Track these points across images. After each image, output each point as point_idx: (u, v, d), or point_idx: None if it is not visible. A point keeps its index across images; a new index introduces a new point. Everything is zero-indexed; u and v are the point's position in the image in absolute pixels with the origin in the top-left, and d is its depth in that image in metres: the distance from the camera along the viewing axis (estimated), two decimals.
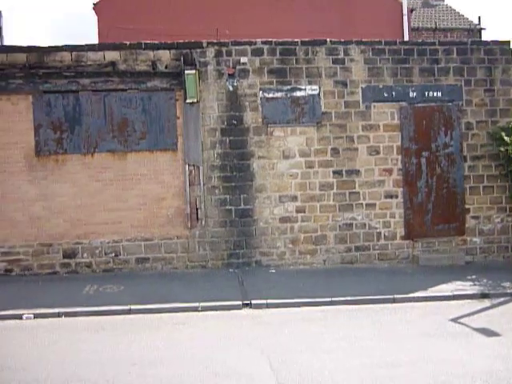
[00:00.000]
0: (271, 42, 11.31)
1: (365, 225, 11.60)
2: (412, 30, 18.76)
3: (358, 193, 11.57)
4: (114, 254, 10.89)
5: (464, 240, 11.94)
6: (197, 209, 11.08)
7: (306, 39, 11.45)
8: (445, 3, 23.95)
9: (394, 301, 9.04)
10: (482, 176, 12.01)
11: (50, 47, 10.66)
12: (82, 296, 9.24)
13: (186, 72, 10.76)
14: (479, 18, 21.39)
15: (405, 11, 17.31)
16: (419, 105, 11.72)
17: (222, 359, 6.31)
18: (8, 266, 10.60)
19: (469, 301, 9.07)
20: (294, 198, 11.36)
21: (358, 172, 11.57)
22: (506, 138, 11.54)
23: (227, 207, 11.22)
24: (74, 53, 10.73)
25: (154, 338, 7.28)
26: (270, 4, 17.51)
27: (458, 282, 9.95)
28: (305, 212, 11.40)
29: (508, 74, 12.07)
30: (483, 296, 9.29)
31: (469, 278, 10.32)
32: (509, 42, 12.36)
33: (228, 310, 8.62)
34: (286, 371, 5.87)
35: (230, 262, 11.21)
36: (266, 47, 11.29)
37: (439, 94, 11.81)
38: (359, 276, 10.59)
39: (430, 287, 9.61)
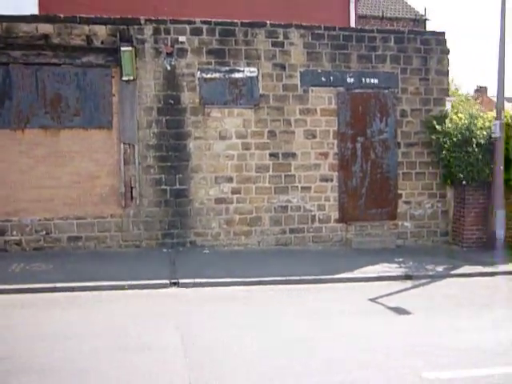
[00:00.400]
0: (210, 22, 11.25)
1: (300, 207, 11.79)
2: (359, 17, 18.95)
3: (294, 176, 11.73)
4: (45, 232, 10.70)
5: (396, 224, 12.31)
6: (131, 188, 11.00)
7: (246, 21, 11.45)
8: None
9: (320, 281, 9.24)
10: (414, 162, 12.37)
11: None
12: (7, 274, 9.02)
13: (122, 49, 10.59)
14: (425, 8, 21.87)
15: None
16: (356, 91, 11.93)
17: (137, 335, 6.33)
18: None
19: (392, 282, 9.36)
20: (230, 180, 11.42)
21: (294, 155, 11.71)
22: (437, 126, 11.90)
23: (162, 187, 11.18)
24: (4, 23, 10.38)
25: (73, 314, 7.23)
26: None
27: (385, 264, 10.25)
28: (240, 193, 11.48)
29: (442, 65, 12.42)
30: (406, 277, 9.62)
31: (396, 260, 10.65)
32: (444, 33, 12.70)
33: (155, 288, 8.60)
34: (196, 346, 5.96)
35: (165, 242, 11.20)
36: (205, 27, 11.23)
37: (376, 80, 12.04)
38: (291, 257, 10.78)
39: (357, 269, 9.87)
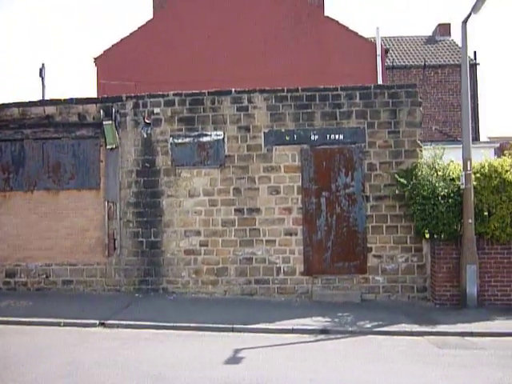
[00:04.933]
0: (181, 93, 12.79)
1: (265, 260, 12.41)
2: (397, 68, 18.96)
3: (259, 229, 12.45)
4: (45, 276, 12.91)
5: (366, 278, 12.21)
6: (114, 239, 12.76)
7: (213, 90, 12.77)
8: (450, 39, 23.37)
9: (232, 330, 9.86)
10: (385, 216, 12.25)
11: (2, 104, 13.18)
12: None
13: (104, 122, 12.61)
14: (475, 52, 20.58)
15: (378, 52, 17.68)
16: (320, 147, 12.38)
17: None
18: None
19: (305, 335, 9.57)
20: (198, 233, 12.56)
21: (258, 210, 12.47)
22: (402, 180, 11.75)
23: (139, 239, 12.74)
24: (20, 108, 13.13)
25: None
26: (260, 50, 18.90)
27: (314, 318, 10.40)
28: (207, 246, 12.53)
29: (414, 116, 12.29)
30: (323, 332, 9.71)
31: (336, 314, 10.66)
32: (415, 84, 12.63)
33: (85, 327, 10.07)
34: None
35: (141, 288, 12.66)
36: (177, 98, 12.80)
37: (341, 136, 12.37)
38: (240, 307, 11.41)
39: (279, 320, 10.23)
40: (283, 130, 12.49)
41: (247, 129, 12.59)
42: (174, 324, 10.04)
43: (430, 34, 24.37)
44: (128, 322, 10.21)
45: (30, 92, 67.85)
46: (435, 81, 20.55)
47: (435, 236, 11.63)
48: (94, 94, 18.93)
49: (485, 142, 20.60)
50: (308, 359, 7.92)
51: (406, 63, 20.65)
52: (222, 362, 7.67)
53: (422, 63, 20.34)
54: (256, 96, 12.62)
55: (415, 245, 12.16)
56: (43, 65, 23.41)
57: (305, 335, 9.60)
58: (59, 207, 12.98)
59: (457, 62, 19.79)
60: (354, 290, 12.18)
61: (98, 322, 10.27)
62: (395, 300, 12.06)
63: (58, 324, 10.21)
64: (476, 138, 20.34)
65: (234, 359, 7.86)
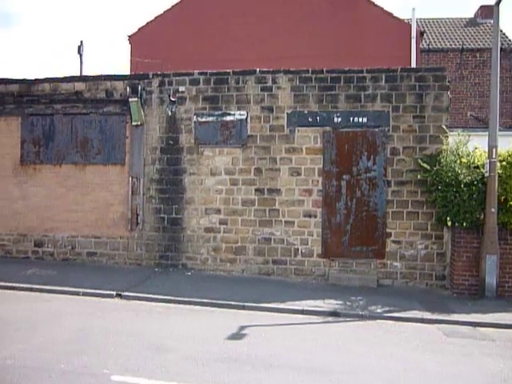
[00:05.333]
0: (206, 72, 12.86)
1: (283, 240, 12.47)
2: (432, 51, 18.40)
3: (278, 210, 12.50)
4: (70, 247, 13.37)
5: (384, 263, 12.12)
6: (137, 214, 13.06)
7: (238, 69, 12.78)
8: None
9: (243, 307, 10.01)
10: (406, 201, 12.08)
11: (35, 79, 13.58)
12: (19, 275, 11.75)
13: (130, 99, 12.83)
14: None
15: (413, 34, 17.21)
16: (343, 130, 12.26)
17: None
18: None
19: (314, 317, 9.64)
20: (218, 211, 12.72)
21: (278, 191, 12.50)
22: (425, 165, 11.54)
23: (161, 215, 13.00)
24: (52, 84, 13.50)
25: (14, 308, 9.40)
26: (285, 30, 18.74)
27: (326, 300, 10.45)
28: (227, 224, 12.68)
29: (440, 101, 11.99)
30: (332, 314, 9.77)
31: (345, 297, 10.67)
32: (443, 68, 12.27)
33: (102, 297, 10.45)
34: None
35: (161, 263, 12.96)
36: (202, 77, 12.88)
37: (365, 119, 12.20)
38: (256, 285, 11.56)
39: (292, 301, 10.31)
40: (306, 112, 12.42)
41: (270, 109, 12.57)
42: (188, 299, 10.28)
43: (472, 16, 23.49)
44: (143, 295, 10.51)
45: (68, 68, 69.34)
46: (473, 65, 19.83)
47: (456, 224, 11.41)
48: (128, 72, 19.21)
49: None
50: (308, 340, 7.99)
51: (443, 46, 20.00)
52: (224, 338, 7.83)
53: (460, 46, 19.66)
54: (280, 76, 12.57)
55: (436, 232, 11.96)
56: (81, 42, 23.88)
57: (314, 317, 9.67)
58: (85, 181, 13.36)
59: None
60: (370, 275, 12.13)
61: (115, 293, 10.62)
62: (413, 287, 11.94)
63: (77, 293, 10.62)
64: None
65: (237, 335, 8.01)
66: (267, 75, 12.62)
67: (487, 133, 11.31)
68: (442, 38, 21.04)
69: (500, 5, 11.10)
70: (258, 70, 12.68)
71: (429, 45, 20.22)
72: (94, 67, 68.35)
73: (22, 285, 10.97)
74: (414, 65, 17.25)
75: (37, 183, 13.57)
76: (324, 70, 12.42)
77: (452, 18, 23.23)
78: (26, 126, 13.63)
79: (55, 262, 13.28)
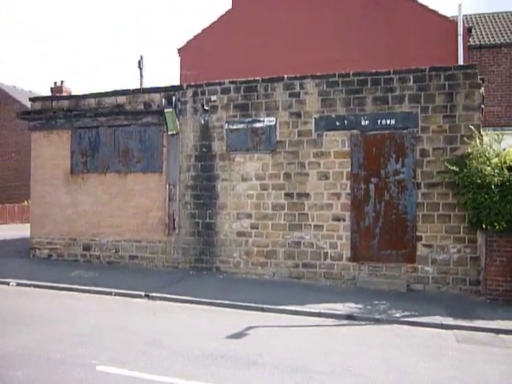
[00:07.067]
0: (236, 81, 13.23)
1: (312, 244, 12.53)
2: (479, 48, 17.56)
3: (307, 214, 12.58)
4: (114, 251, 14.19)
5: (414, 268, 11.84)
6: (174, 220, 13.65)
7: (266, 77, 13.03)
8: None
9: (262, 309, 10.20)
10: (437, 204, 11.75)
11: (82, 95, 14.62)
12: (64, 277, 12.68)
13: (165, 110, 13.47)
14: None
15: (460, 31, 16.58)
16: (370, 132, 12.15)
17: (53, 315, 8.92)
18: (49, 253, 14.83)
19: (329, 320, 9.63)
20: (250, 216, 13.01)
21: (307, 195, 12.59)
22: (453, 167, 11.19)
23: (196, 220, 13.49)
24: (96, 98, 14.46)
25: (46, 304, 10.18)
26: (324, 34, 18.74)
27: (347, 304, 10.39)
28: (258, 228, 12.93)
29: (472, 99, 11.58)
30: (348, 317, 9.71)
31: (367, 301, 10.54)
32: (474, 65, 11.83)
33: (131, 297, 11.06)
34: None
35: (196, 266, 13.44)
36: (232, 86, 13.26)
37: (392, 121, 12.03)
38: (280, 288, 11.70)
39: (312, 303, 10.36)
40: (334, 116, 12.44)
41: (298, 114, 12.71)
42: (209, 300, 10.62)
43: None
44: (168, 296, 11.00)
45: (130, 81, 72.80)
46: None
47: (488, 227, 10.95)
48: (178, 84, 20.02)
49: None
50: (309, 342, 8.05)
51: (497, 41, 19.04)
52: (225, 336, 8.09)
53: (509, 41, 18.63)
54: (308, 82, 12.68)
55: (469, 235, 11.53)
56: (141, 57, 25.17)
57: (329, 319, 9.66)
58: (127, 188, 14.15)
59: None
60: (400, 279, 11.89)
61: (143, 293, 11.19)
62: (445, 292, 11.56)
63: (110, 293, 11.31)
64: None
65: (239, 335, 8.23)
66: (295, 81, 12.79)
67: None
68: (496, 33, 20.04)
69: None
70: (285, 76, 12.88)
71: (480, 41, 19.37)
72: (152, 80, 71.23)
73: (62, 285, 11.84)
74: (461, 63, 16.64)
75: (85, 191, 14.56)
76: (350, 73, 12.39)
77: (505, 12, 22.07)
78: (75, 138, 14.69)
79: (100, 265, 14.17)
